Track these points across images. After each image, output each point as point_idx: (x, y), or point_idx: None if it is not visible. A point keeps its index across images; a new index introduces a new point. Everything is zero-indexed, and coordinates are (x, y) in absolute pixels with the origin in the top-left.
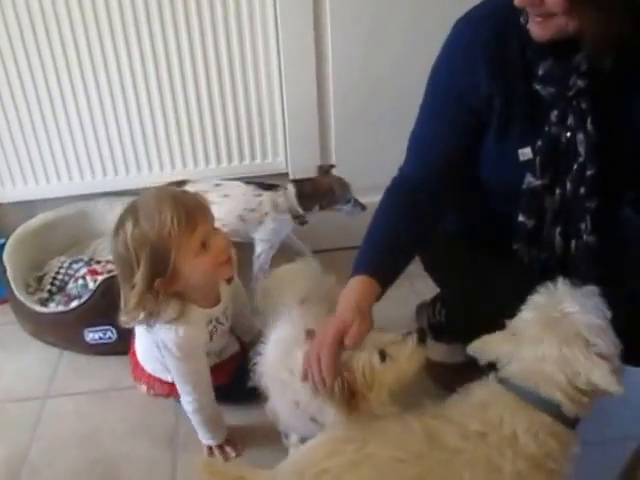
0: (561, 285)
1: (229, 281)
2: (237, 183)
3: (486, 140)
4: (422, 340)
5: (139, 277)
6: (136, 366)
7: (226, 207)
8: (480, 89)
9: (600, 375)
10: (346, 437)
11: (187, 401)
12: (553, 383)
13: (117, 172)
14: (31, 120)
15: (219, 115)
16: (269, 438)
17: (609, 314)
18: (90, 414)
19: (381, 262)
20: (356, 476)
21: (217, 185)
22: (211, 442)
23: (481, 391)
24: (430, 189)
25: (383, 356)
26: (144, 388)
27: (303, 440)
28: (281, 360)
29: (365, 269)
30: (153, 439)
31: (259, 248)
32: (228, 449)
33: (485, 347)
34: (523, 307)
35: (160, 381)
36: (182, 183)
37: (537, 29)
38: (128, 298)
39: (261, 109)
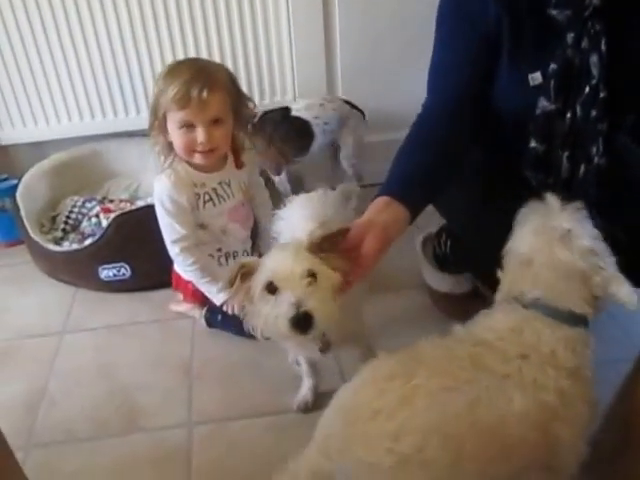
0: (551, 201)
1: (238, 166)
2: None
3: (499, 67)
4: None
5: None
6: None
7: None
8: (488, 11)
9: (621, 288)
10: (390, 373)
11: (187, 264)
12: (581, 298)
13: (127, 112)
14: (40, 59)
15: (228, 53)
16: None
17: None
18: (106, 348)
19: (412, 193)
20: (411, 410)
21: None
22: (225, 295)
23: (509, 317)
24: (453, 121)
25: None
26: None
27: (311, 362)
28: None
29: (399, 195)
30: (169, 370)
31: None
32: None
33: (510, 286)
34: (518, 225)
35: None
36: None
37: None
38: None
39: (269, 47)
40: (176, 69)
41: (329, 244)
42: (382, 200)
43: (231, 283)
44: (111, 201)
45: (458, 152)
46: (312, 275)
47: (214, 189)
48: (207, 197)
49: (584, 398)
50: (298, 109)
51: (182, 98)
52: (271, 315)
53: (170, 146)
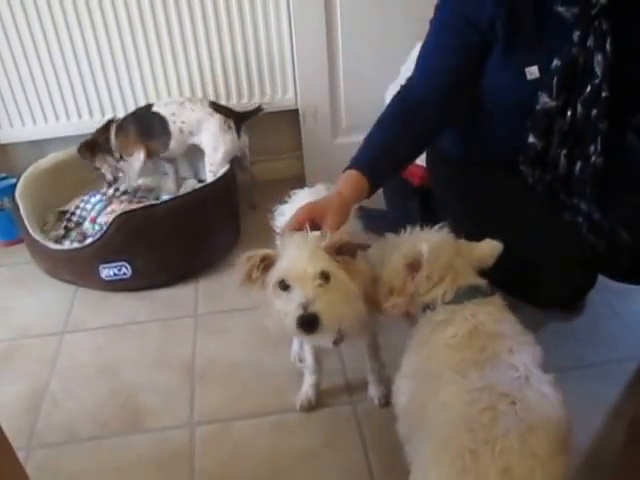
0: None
1: None
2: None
3: (492, 60)
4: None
5: None
6: None
7: None
8: (484, 12)
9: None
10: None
11: None
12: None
13: (127, 110)
14: (38, 58)
15: (228, 52)
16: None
17: None
18: (108, 347)
19: (377, 164)
20: None
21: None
22: None
23: (484, 313)
24: (434, 102)
25: (326, 277)
26: None
27: (317, 357)
28: None
29: (360, 166)
30: (171, 370)
31: None
32: None
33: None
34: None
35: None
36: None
37: None
38: None
39: (270, 45)
40: None
41: (348, 250)
42: (353, 175)
43: (249, 274)
44: (117, 197)
45: (434, 139)
46: (325, 276)
47: None
48: None
49: None
50: (159, 105)
51: None
52: (281, 311)
53: None
